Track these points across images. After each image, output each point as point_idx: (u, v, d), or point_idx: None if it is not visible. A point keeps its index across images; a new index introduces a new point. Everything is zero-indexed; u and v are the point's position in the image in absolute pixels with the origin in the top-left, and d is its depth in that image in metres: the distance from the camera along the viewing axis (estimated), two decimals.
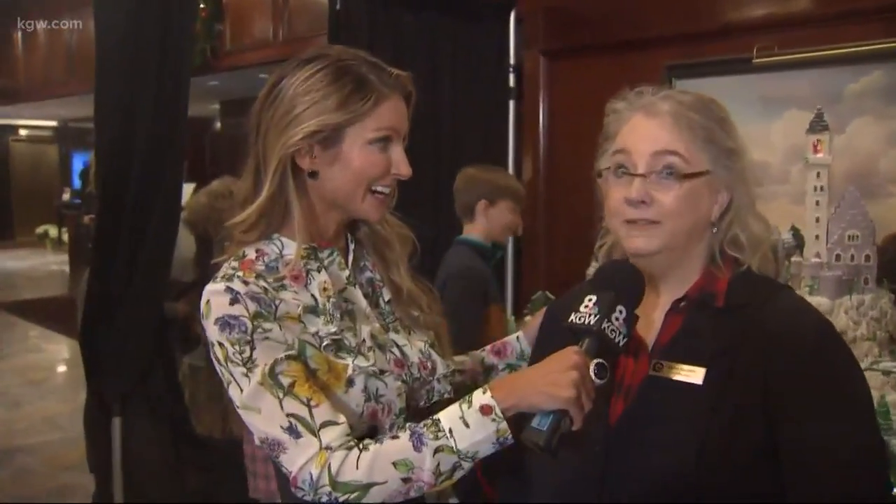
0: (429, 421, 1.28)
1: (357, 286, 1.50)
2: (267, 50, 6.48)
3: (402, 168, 1.44)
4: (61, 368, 7.05)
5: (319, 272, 1.45)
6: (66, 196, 15.31)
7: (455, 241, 3.15)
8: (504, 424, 1.25)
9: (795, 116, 3.09)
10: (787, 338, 1.22)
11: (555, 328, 1.42)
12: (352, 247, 1.53)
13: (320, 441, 1.28)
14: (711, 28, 3.40)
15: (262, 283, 1.37)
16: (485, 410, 1.25)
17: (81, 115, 12.00)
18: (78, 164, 16.67)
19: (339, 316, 1.42)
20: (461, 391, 1.58)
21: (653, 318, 1.35)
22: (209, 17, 6.81)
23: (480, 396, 1.27)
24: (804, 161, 2.97)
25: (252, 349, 1.32)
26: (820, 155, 2.94)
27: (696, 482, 1.20)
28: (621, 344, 1.24)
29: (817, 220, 2.90)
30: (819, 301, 2.59)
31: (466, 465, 1.27)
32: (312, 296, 1.42)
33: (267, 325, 1.34)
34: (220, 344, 1.33)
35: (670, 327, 1.32)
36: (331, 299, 1.42)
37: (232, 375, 1.33)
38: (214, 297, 1.35)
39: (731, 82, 3.25)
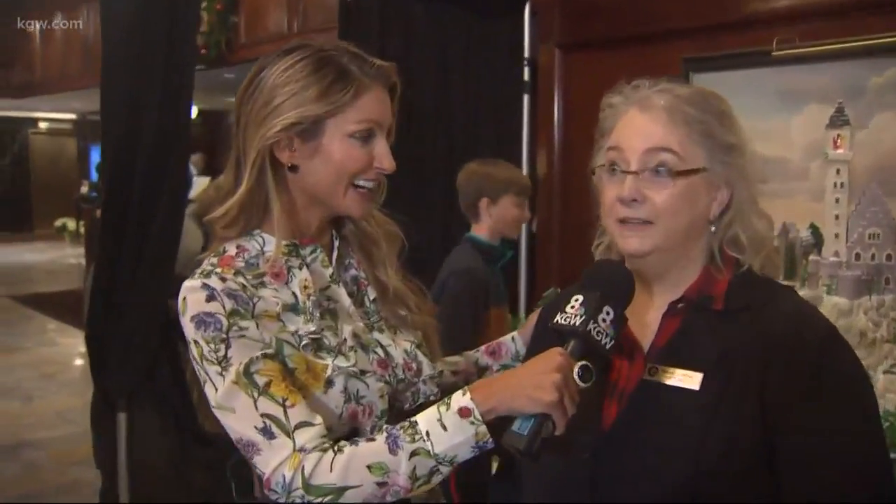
0: (406, 423, 1.24)
1: (341, 284, 1.46)
2: (282, 42, 6.28)
3: (386, 162, 1.40)
4: (77, 362, 7.04)
5: (301, 269, 1.41)
6: (84, 189, 15.36)
7: (463, 238, 3.08)
8: (483, 428, 1.20)
9: (816, 111, 3.00)
10: (788, 343, 1.17)
11: (546, 330, 1.37)
12: (336, 244, 1.48)
13: (294, 442, 1.24)
14: (730, 20, 3.31)
15: (240, 279, 1.34)
16: (463, 413, 1.21)
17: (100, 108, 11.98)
18: (96, 156, 16.75)
19: (319, 314, 1.37)
20: (454, 390, 1.55)
21: (649, 319, 1.30)
22: (224, 10, 6.79)
23: (459, 398, 1.22)
24: (824, 157, 2.88)
25: (227, 347, 1.28)
26: (840, 151, 2.85)
27: (691, 491, 1.15)
28: (608, 346, 1.20)
29: (837, 217, 2.82)
30: (837, 301, 2.53)
31: (445, 469, 1.23)
32: (293, 293, 1.38)
33: (243, 323, 1.30)
34: (196, 342, 1.30)
35: (667, 330, 1.27)
36: (311, 297, 1.38)
37: (207, 374, 1.29)
38: (190, 294, 1.32)
39: (750, 76, 3.16)
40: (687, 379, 1.21)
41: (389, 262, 1.52)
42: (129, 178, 2.93)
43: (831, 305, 2.66)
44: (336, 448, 1.24)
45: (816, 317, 1.24)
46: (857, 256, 2.68)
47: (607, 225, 1.31)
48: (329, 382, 1.34)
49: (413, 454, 1.22)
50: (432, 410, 1.24)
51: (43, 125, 17.78)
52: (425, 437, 1.22)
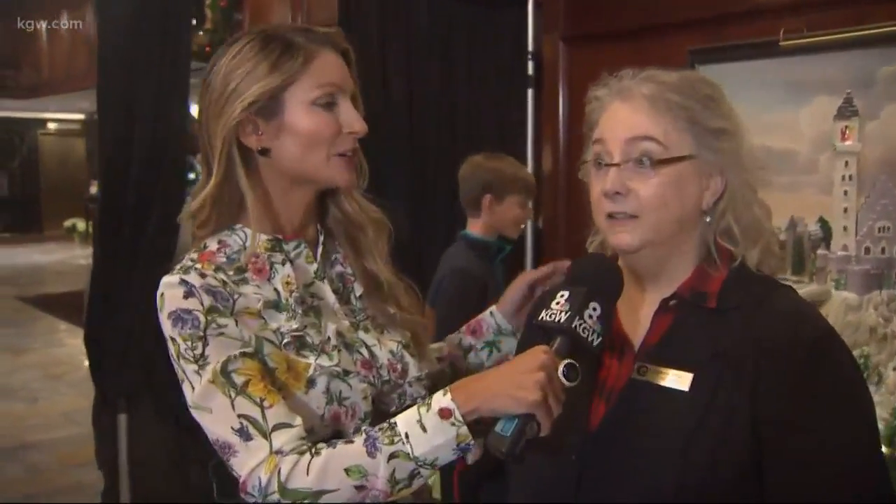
0: (385, 425, 1.20)
1: (326, 281, 1.42)
2: None
3: (356, 125, 1.36)
4: (85, 363, 7.02)
5: (284, 265, 1.37)
6: (93, 189, 15.41)
7: (458, 236, 3.02)
8: (464, 429, 1.16)
9: (825, 102, 2.93)
10: (781, 343, 1.12)
11: (534, 328, 1.32)
12: (321, 238, 1.44)
13: (271, 444, 1.20)
14: (736, 10, 3.25)
15: (220, 275, 1.30)
16: (444, 414, 1.16)
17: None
18: None
19: (302, 312, 1.33)
20: (441, 380, 1.52)
21: (641, 316, 1.25)
22: (228, 7, 6.76)
23: (440, 399, 1.18)
24: (832, 149, 2.82)
25: (205, 345, 1.24)
26: (848, 142, 2.78)
27: (677, 496, 1.10)
28: (595, 343, 1.15)
29: (845, 210, 2.75)
30: (847, 296, 2.47)
31: (425, 472, 1.19)
32: (275, 290, 1.34)
33: (222, 321, 1.26)
34: (173, 339, 1.26)
35: (658, 327, 1.22)
36: (293, 294, 1.34)
37: (184, 373, 1.26)
38: (168, 290, 1.28)
39: (757, 67, 3.10)
40: (677, 379, 1.16)
41: (377, 251, 1.49)
42: (126, 178, 2.91)
43: (840, 300, 2.61)
44: (314, 451, 1.21)
45: (813, 317, 1.19)
46: (867, 250, 2.62)
47: (597, 221, 1.27)
48: (311, 382, 1.30)
49: (392, 457, 1.18)
50: (412, 411, 1.20)
51: (52, 126, 17.84)
52: (404, 439, 1.18)
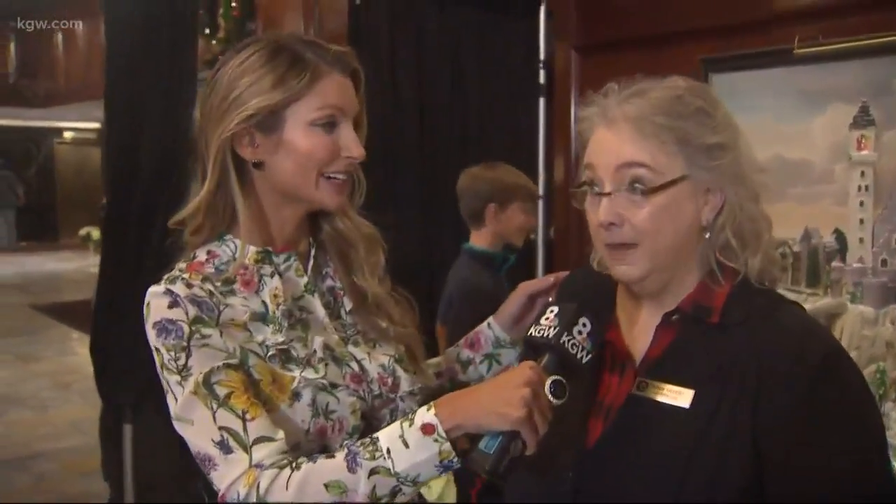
0: (367, 439, 1.18)
1: (316, 294, 1.39)
2: None
3: (354, 150, 1.34)
4: None
5: (272, 277, 1.35)
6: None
7: (462, 250, 2.99)
8: (447, 445, 1.13)
9: (840, 111, 2.88)
10: (786, 360, 1.08)
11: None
12: (312, 252, 1.42)
13: (251, 458, 1.18)
14: (749, 19, 3.21)
15: (207, 286, 1.28)
16: (426, 430, 1.14)
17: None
18: None
19: (289, 325, 1.31)
20: (441, 395, 1.49)
21: (643, 330, 1.22)
22: (241, 16, 6.78)
23: (423, 414, 1.15)
24: (847, 158, 2.76)
25: (188, 356, 1.23)
26: (864, 152, 2.73)
27: None
28: (584, 360, 1.12)
29: (861, 221, 2.70)
30: (863, 310, 2.41)
31: (408, 489, 1.15)
32: (263, 302, 1.32)
33: (206, 331, 1.24)
34: (157, 350, 1.25)
35: (660, 343, 1.19)
36: (280, 307, 1.32)
37: (168, 384, 1.24)
38: (154, 300, 1.27)
39: (771, 76, 3.05)
40: (678, 395, 1.13)
41: (368, 267, 1.46)
42: (132, 187, 2.90)
43: (856, 314, 2.55)
44: (294, 465, 1.18)
45: (820, 334, 1.15)
46: (884, 262, 2.56)
47: (598, 249, 1.24)
48: (296, 395, 1.28)
49: (372, 472, 1.15)
50: (395, 426, 1.18)
51: (68, 135, 17.95)
52: (386, 455, 1.15)
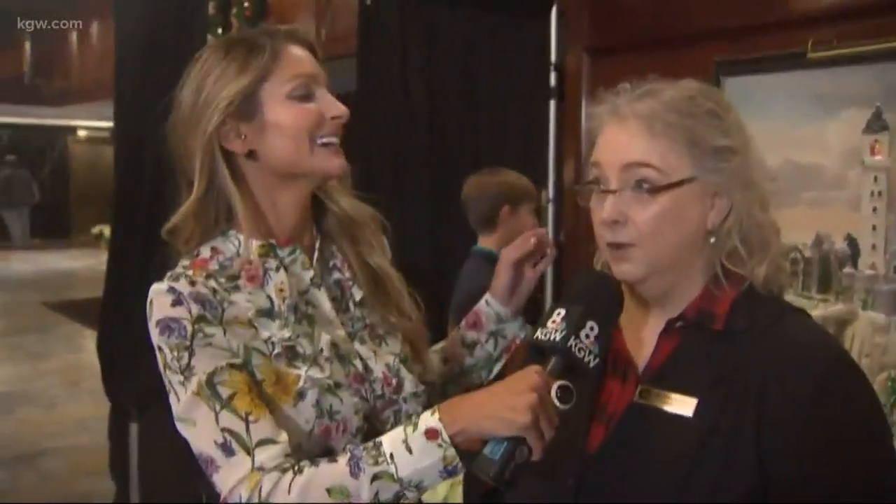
0: (370, 444, 1.16)
1: (323, 288, 1.37)
2: None
3: (335, 109, 1.33)
4: None
5: (277, 271, 1.33)
6: None
7: (472, 252, 3.00)
8: (451, 451, 1.11)
9: (854, 116, 2.85)
10: (790, 369, 1.05)
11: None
12: (318, 244, 1.40)
13: (253, 460, 1.16)
14: (763, 22, 3.18)
15: (211, 283, 1.26)
16: (430, 435, 1.12)
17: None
18: None
19: (295, 320, 1.30)
20: (449, 382, 1.52)
21: (645, 337, 1.19)
22: (253, 16, 6.77)
23: (427, 418, 1.13)
24: (861, 163, 2.73)
25: (191, 356, 1.21)
26: (878, 157, 2.69)
27: None
28: (591, 364, 1.10)
29: (874, 228, 2.66)
30: (874, 317, 2.39)
31: (411, 494, 1.14)
32: (268, 297, 1.30)
33: (210, 330, 1.22)
34: (160, 349, 1.23)
35: (663, 349, 1.16)
36: (286, 301, 1.30)
37: (171, 384, 1.22)
38: (157, 298, 1.25)
39: (784, 79, 3.02)
40: (680, 404, 1.11)
41: (377, 243, 1.46)
42: (139, 187, 2.89)
43: (867, 321, 2.52)
44: (297, 468, 1.17)
45: (826, 342, 1.12)
46: None
47: (600, 246, 1.21)
48: (300, 395, 1.26)
49: (375, 478, 1.13)
50: (398, 431, 1.16)
51: (82, 133, 18.03)
52: (389, 460, 1.14)
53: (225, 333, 1.25)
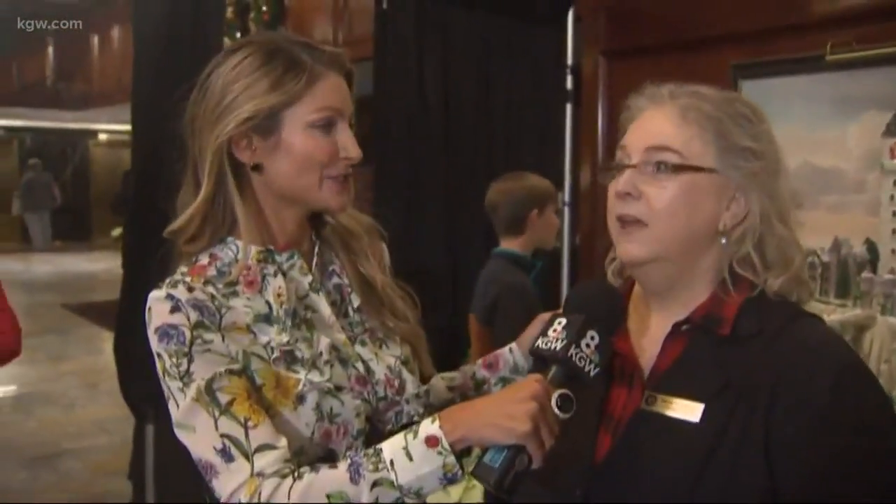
0: (371, 450, 1.16)
1: (322, 293, 1.37)
2: None
3: (352, 150, 1.32)
4: None
5: (276, 277, 1.33)
6: None
7: (494, 254, 3.03)
8: (451, 459, 1.11)
9: (875, 118, 2.82)
10: (799, 375, 1.04)
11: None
12: (316, 249, 1.41)
13: (252, 466, 1.16)
14: (781, 24, 3.16)
15: (209, 289, 1.27)
16: (430, 442, 1.12)
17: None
18: None
19: (294, 325, 1.30)
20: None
21: (652, 340, 1.19)
22: (271, 20, 6.80)
23: (427, 426, 1.13)
24: (880, 167, 2.70)
25: (190, 362, 1.21)
26: None
27: None
28: (591, 374, 1.10)
29: (893, 232, 2.63)
30: (893, 322, 2.36)
31: (411, 501, 1.14)
32: (267, 302, 1.30)
33: (208, 336, 1.22)
34: (159, 355, 1.23)
35: (669, 354, 1.16)
36: (284, 306, 1.30)
37: (170, 390, 1.22)
38: (155, 305, 1.25)
39: (803, 82, 3.00)
40: (687, 409, 1.10)
41: (373, 255, 1.46)
42: (155, 188, 2.90)
43: (886, 327, 2.49)
44: (297, 474, 1.17)
45: (837, 347, 1.10)
46: None
47: (609, 226, 1.21)
48: (300, 398, 1.26)
49: (375, 484, 1.13)
50: (399, 437, 1.16)
51: (102, 137, 18.17)
52: (389, 467, 1.13)
53: (223, 339, 1.26)
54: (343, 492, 1.14)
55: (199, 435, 1.21)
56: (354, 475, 1.15)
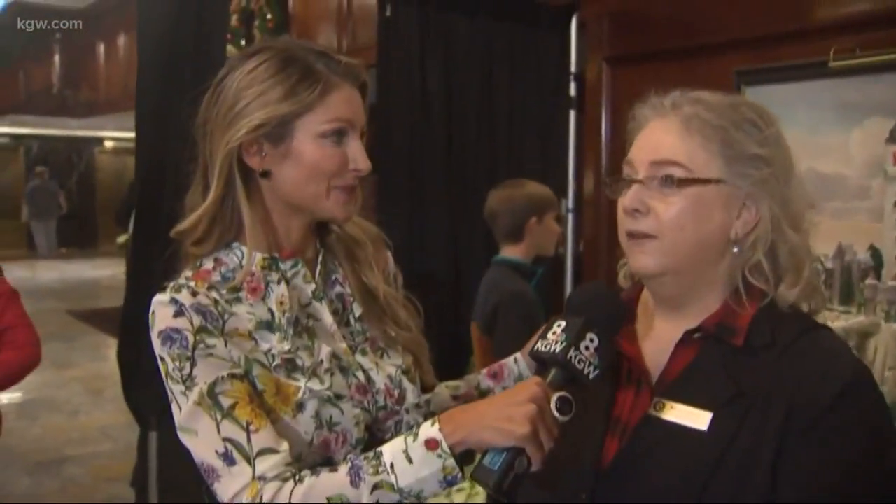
0: (371, 453, 1.16)
1: (324, 302, 1.38)
2: None
3: (361, 162, 1.32)
4: None
5: (279, 284, 1.33)
6: None
7: (495, 261, 3.03)
8: (451, 461, 1.11)
9: (878, 125, 2.82)
10: (809, 387, 1.03)
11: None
12: (320, 258, 1.41)
13: (254, 470, 1.17)
14: (784, 31, 3.15)
15: (213, 294, 1.27)
16: (430, 445, 1.12)
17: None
18: None
19: (294, 333, 1.30)
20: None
21: (662, 347, 1.18)
22: (276, 27, 6.82)
23: (427, 429, 1.14)
24: (884, 173, 2.70)
25: (192, 366, 1.22)
26: None
27: None
28: (591, 376, 1.10)
29: None
30: None
31: (411, 503, 1.14)
32: (269, 310, 1.31)
33: (211, 341, 1.23)
34: (162, 359, 1.24)
35: (680, 361, 1.15)
36: (286, 314, 1.30)
37: (173, 394, 1.23)
38: (159, 309, 1.26)
39: (806, 89, 2.99)
40: (694, 417, 1.09)
41: (377, 265, 1.46)
42: (160, 195, 2.90)
43: (890, 333, 2.48)
44: (297, 478, 1.17)
45: (846, 360, 1.09)
46: None
47: (621, 241, 1.21)
48: (300, 406, 1.27)
49: (375, 487, 1.14)
50: (399, 441, 1.16)
51: (108, 144, 18.22)
52: (389, 470, 1.14)
53: (226, 344, 1.26)
54: (343, 495, 1.15)
55: (201, 438, 1.22)
56: (355, 478, 1.15)
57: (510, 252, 3.04)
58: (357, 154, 1.33)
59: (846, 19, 2.94)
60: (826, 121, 2.89)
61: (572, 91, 3.95)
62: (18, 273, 14.21)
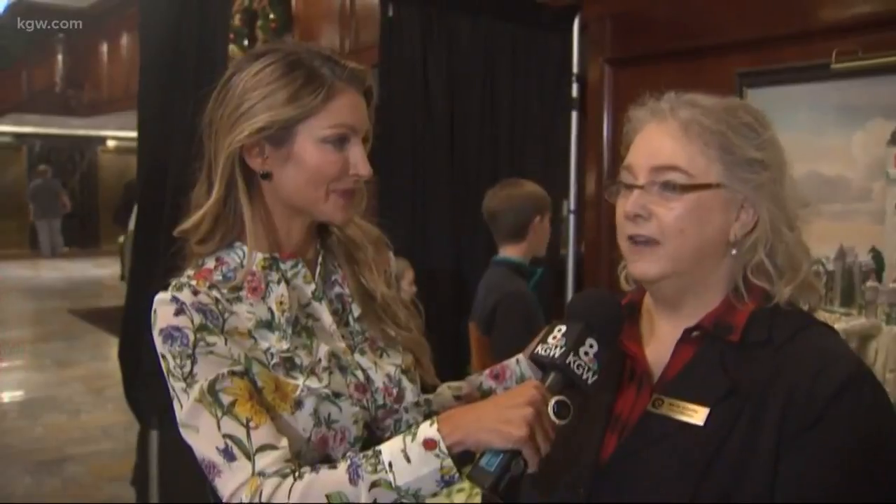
0: (370, 452, 1.17)
1: (324, 302, 1.39)
2: None
3: (361, 168, 1.33)
4: None
5: (279, 284, 1.34)
6: None
7: (494, 262, 3.03)
8: (449, 461, 1.13)
9: (880, 127, 2.82)
10: (806, 383, 1.04)
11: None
12: (320, 258, 1.42)
13: (254, 466, 1.18)
14: (786, 33, 3.15)
15: (214, 293, 1.29)
16: (428, 445, 1.13)
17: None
18: None
19: (293, 332, 1.32)
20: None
21: (663, 346, 1.20)
22: (279, 27, 6.83)
23: (426, 429, 1.15)
24: (885, 176, 2.70)
25: (193, 363, 1.23)
26: None
27: None
28: (590, 381, 1.11)
29: None
30: None
31: (408, 502, 1.15)
32: (269, 309, 1.32)
33: (211, 339, 1.25)
34: (164, 356, 1.25)
35: (679, 359, 1.17)
36: (285, 314, 1.32)
37: (174, 391, 1.24)
38: (161, 307, 1.27)
39: (808, 91, 3.00)
40: (691, 413, 1.11)
41: (377, 267, 1.47)
42: (161, 194, 2.91)
43: (891, 335, 2.49)
44: (297, 474, 1.19)
45: (844, 356, 1.10)
46: None
47: (621, 246, 1.22)
48: (298, 404, 1.28)
49: (374, 485, 1.15)
50: (398, 440, 1.18)
51: (111, 143, 18.24)
52: (387, 468, 1.15)
53: (226, 342, 1.27)
54: (342, 492, 1.16)
55: (202, 435, 1.23)
56: (353, 476, 1.16)
57: (510, 252, 3.03)
58: (358, 159, 1.34)
59: (848, 21, 2.93)
60: (828, 123, 2.89)
61: (574, 92, 3.95)
62: (21, 272, 14.28)
